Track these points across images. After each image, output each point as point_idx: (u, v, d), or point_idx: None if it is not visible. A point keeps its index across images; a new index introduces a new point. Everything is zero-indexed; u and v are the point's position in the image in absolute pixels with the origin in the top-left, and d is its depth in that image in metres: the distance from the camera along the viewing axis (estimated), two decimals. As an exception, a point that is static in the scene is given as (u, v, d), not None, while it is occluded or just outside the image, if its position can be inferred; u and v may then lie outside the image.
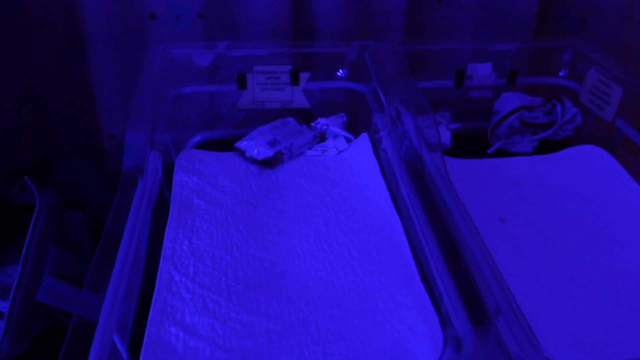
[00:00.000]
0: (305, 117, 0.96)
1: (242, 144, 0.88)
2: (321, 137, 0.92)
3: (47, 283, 0.83)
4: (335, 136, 0.91)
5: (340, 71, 0.96)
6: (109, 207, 0.71)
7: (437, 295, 0.59)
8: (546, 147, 0.92)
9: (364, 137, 0.89)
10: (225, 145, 0.91)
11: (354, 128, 0.93)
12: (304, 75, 0.93)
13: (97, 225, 1.06)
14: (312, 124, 0.93)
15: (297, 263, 0.70)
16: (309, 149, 0.90)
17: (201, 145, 0.93)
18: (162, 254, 0.68)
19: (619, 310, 0.63)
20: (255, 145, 0.86)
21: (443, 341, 0.55)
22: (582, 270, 0.69)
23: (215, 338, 0.59)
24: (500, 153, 0.92)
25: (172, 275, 0.66)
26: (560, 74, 0.97)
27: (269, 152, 0.85)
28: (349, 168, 0.86)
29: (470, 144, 0.93)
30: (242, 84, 0.92)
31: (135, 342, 0.58)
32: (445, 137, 0.92)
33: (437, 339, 0.55)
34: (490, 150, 0.92)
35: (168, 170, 0.83)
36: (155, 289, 0.63)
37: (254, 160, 0.86)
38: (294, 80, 0.93)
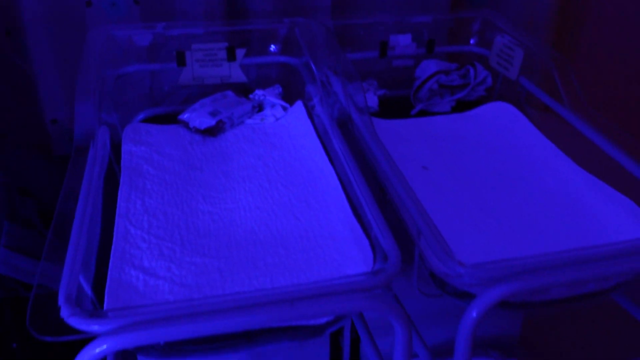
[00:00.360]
0: (243, 91, 1.03)
1: (185, 116, 0.94)
2: (259, 107, 0.99)
3: (3, 255, 0.86)
4: (273, 106, 0.99)
5: (273, 47, 1.03)
6: (56, 191, 0.75)
7: (367, 225, 0.67)
8: (462, 106, 1.03)
9: (299, 104, 0.97)
10: (168, 120, 0.96)
11: (289, 99, 1.01)
12: (239, 52, 1.00)
13: (45, 209, 1.09)
14: (250, 95, 1.00)
15: (243, 214, 0.77)
16: (249, 118, 0.97)
17: (146, 121, 0.98)
18: (117, 212, 0.74)
19: (523, 232, 0.74)
20: (197, 116, 0.93)
21: (373, 260, 0.63)
22: (494, 204, 0.80)
23: (173, 277, 0.65)
24: (423, 113, 1.02)
25: (128, 229, 0.71)
26: (471, 41, 1.08)
27: (211, 122, 0.92)
28: (287, 132, 0.94)
29: (396, 107, 1.02)
30: (181, 62, 0.98)
31: (98, 287, 0.63)
32: (373, 101, 1.01)
33: (369, 260, 0.64)
34: (413, 112, 1.02)
35: (116, 149, 0.87)
36: (114, 240, 0.69)
37: (197, 130, 0.92)
38: (231, 57, 0.99)
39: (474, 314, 0.59)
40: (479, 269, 0.58)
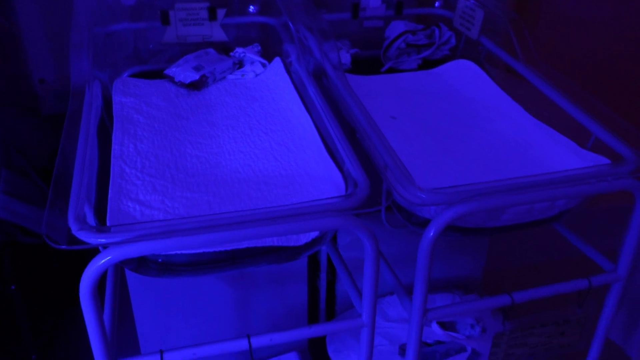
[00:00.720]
0: (223, 50, 1.09)
1: (170, 71, 1.00)
2: (240, 64, 1.06)
3: (2, 201, 0.93)
4: (252, 62, 1.05)
5: (252, 7, 1.10)
6: (44, 148, 0.81)
7: (340, 161, 0.76)
8: (428, 64, 1.11)
9: (277, 61, 1.04)
10: (154, 77, 1.03)
11: (266, 57, 1.08)
12: (220, 12, 1.06)
13: (37, 166, 1.15)
14: (231, 53, 1.06)
15: (228, 157, 0.84)
16: (230, 74, 1.04)
17: (133, 77, 1.04)
18: (112, 154, 0.80)
19: (478, 168, 0.83)
20: (182, 71, 0.99)
21: (345, 191, 0.71)
22: (453, 146, 0.88)
23: (166, 208, 0.73)
24: (391, 71, 1.10)
25: (123, 168, 0.78)
26: (437, 4, 1.16)
27: (195, 76, 0.98)
28: (266, 86, 1.01)
29: (367, 65, 1.10)
30: (165, 20, 1.04)
31: (99, 217, 0.70)
32: (346, 59, 1.08)
33: (341, 191, 0.72)
34: (383, 69, 1.10)
35: (106, 105, 0.93)
36: (111, 178, 0.76)
37: (182, 84, 0.99)
38: (212, 16, 1.05)
39: (432, 233, 0.68)
40: (436, 193, 0.67)
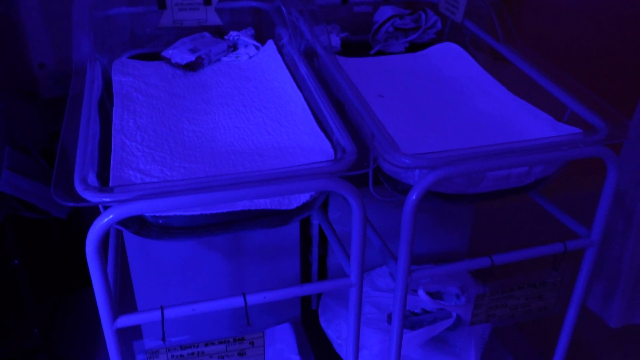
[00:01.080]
0: (218, 34, 1.13)
1: (167, 53, 1.04)
2: (234, 47, 1.10)
3: (6, 176, 0.97)
4: (246, 45, 1.10)
5: (246, -8, 1.14)
6: (42, 132, 0.84)
7: (330, 133, 0.80)
8: (415, 47, 1.16)
9: (270, 43, 1.08)
10: (151, 59, 1.07)
11: (260, 40, 1.12)
12: (215, -4, 1.10)
13: (36, 148, 1.18)
14: (225, 36, 1.11)
15: (223, 132, 0.89)
16: (225, 56, 1.08)
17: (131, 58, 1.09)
18: (113, 128, 0.84)
19: (460, 140, 0.87)
20: (179, 52, 1.03)
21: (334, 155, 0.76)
22: (437, 122, 0.93)
23: (166, 177, 0.77)
24: (380, 53, 1.14)
25: (124, 141, 0.83)
26: (424, -10, 1.21)
27: (191, 57, 1.03)
28: (259, 67, 1.05)
29: (356, 48, 1.15)
30: (162, 5, 1.08)
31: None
32: (336, 42, 1.13)
33: (331, 157, 0.77)
34: (372, 52, 1.14)
35: (106, 86, 0.97)
36: (112, 149, 0.80)
37: (178, 65, 1.03)
38: (207, 1, 1.09)
39: (414, 197, 0.72)
40: (419, 158, 0.72)
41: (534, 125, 0.89)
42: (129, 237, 1.01)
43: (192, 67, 1.03)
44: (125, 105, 0.91)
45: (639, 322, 1.19)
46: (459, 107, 0.97)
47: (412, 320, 1.00)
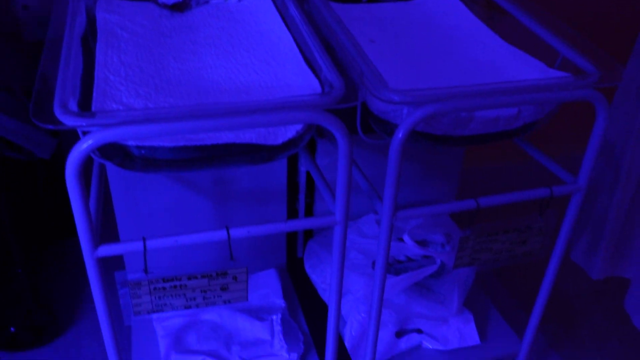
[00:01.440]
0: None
1: (154, -8, 1.02)
2: (223, -10, 1.08)
3: (-11, 114, 0.94)
4: (235, -12, 1.07)
5: None
6: (26, 76, 0.82)
7: (318, 70, 0.79)
8: (409, -4, 1.14)
9: (260, -14, 1.06)
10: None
11: (250, -16, 1.09)
12: (204, -63, 1.07)
13: (21, 90, 1.16)
14: (214, -22, 1.08)
15: (210, 70, 0.87)
16: (213, -2, 1.05)
17: None
18: (96, 62, 0.83)
19: (451, 83, 0.86)
20: (166, -8, 1.01)
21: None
22: (428, 67, 0.91)
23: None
24: (373, 0, 1.12)
25: (107, 75, 0.81)
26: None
27: (178, -2, 1.00)
28: (248, 10, 1.03)
29: (348, -3, 1.12)
30: (150, -57, 1.05)
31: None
32: (327, -13, 1.10)
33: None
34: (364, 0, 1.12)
35: (90, 25, 0.94)
36: (95, 82, 0.78)
37: (165, 5, 1.01)
38: (196, -59, 1.06)
39: (401, 135, 0.72)
40: (407, 94, 0.71)
41: (525, 70, 0.88)
42: (114, 180, 1.00)
43: (179, 7, 1.01)
44: (110, 42, 0.89)
45: (620, 274, 1.20)
46: (450, 54, 0.96)
47: (396, 267, 1.00)
